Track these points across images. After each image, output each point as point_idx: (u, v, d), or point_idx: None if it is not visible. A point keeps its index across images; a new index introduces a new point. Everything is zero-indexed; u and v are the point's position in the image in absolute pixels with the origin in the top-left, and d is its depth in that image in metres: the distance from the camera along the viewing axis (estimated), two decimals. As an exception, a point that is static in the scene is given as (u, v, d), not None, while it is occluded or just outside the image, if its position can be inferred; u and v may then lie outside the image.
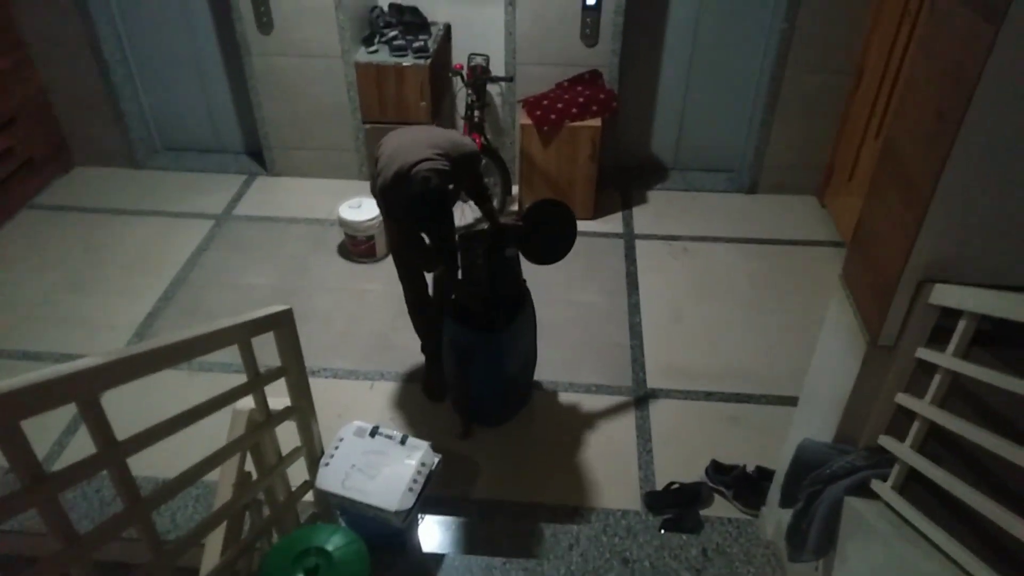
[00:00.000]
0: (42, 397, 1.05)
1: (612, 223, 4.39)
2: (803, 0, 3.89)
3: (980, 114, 1.45)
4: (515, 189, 4.46)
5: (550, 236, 2.91)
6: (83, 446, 2.92)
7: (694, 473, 2.86)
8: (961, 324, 1.58)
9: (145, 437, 1.30)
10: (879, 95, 3.77)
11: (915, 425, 1.73)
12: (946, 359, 1.61)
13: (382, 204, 2.69)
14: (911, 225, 1.65)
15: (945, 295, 1.62)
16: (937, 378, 1.66)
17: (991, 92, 1.42)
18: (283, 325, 1.84)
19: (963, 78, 1.46)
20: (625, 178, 4.76)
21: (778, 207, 4.51)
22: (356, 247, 3.99)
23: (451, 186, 2.54)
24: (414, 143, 2.53)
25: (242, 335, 1.63)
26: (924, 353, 1.71)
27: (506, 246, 2.82)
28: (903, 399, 1.80)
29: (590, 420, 3.12)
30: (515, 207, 4.43)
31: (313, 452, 2.20)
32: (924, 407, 1.68)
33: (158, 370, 1.31)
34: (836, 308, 2.08)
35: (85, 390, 1.13)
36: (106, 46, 4.40)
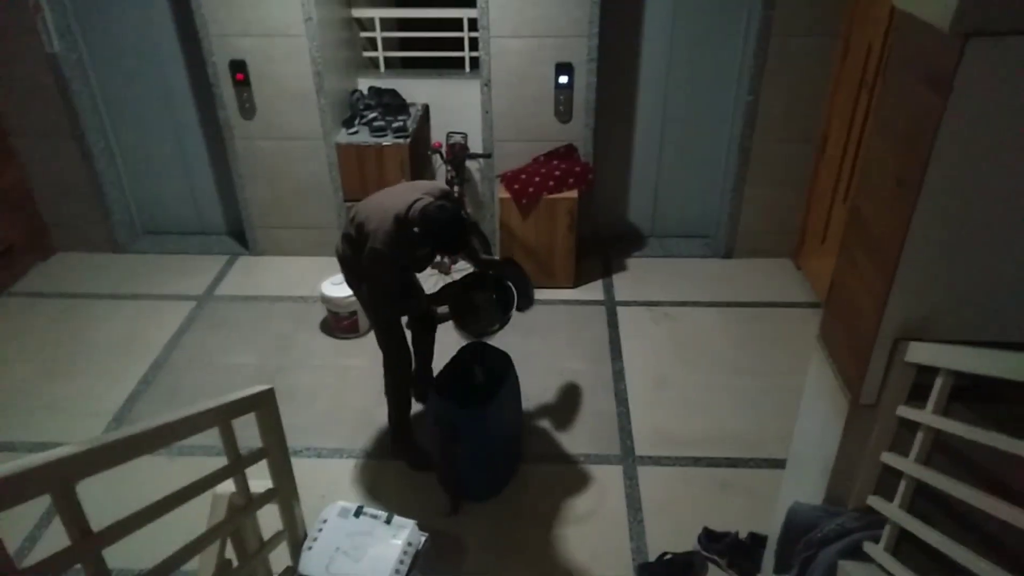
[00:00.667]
0: (15, 490, 1.03)
1: (593, 291, 4.44)
2: (766, 74, 4.08)
3: (937, 180, 1.51)
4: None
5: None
6: (57, 538, 2.82)
7: (686, 542, 2.81)
8: (938, 381, 1.60)
9: (122, 527, 1.27)
10: (844, 160, 3.91)
11: (902, 484, 1.73)
12: (927, 416, 1.63)
13: (377, 261, 2.66)
14: (881, 286, 1.69)
15: (920, 353, 1.65)
16: (920, 436, 1.67)
17: (946, 159, 1.49)
18: (264, 406, 1.83)
19: (918, 147, 1.53)
20: (604, 246, 4.84)
21: (754, 270, 4.59)
22: (339, 323, 3.99)
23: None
24: (395, 194, 2.65)
25: (222, 418, 1.61)
26: (905, 411, 1.73)
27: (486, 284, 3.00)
28: (888, 458, 1.80)
29: (579, 491, 3.08)
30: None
31: (296, 535, 2.15)
32: (909, 465, 1.69)
33: (136, 457, 1.29)
34: (816, 368, 2.10)
35: (60, 480, 1.11)
36: (90, 135, 4.48)
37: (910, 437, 1.72)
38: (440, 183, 2.85)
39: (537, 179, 4.16)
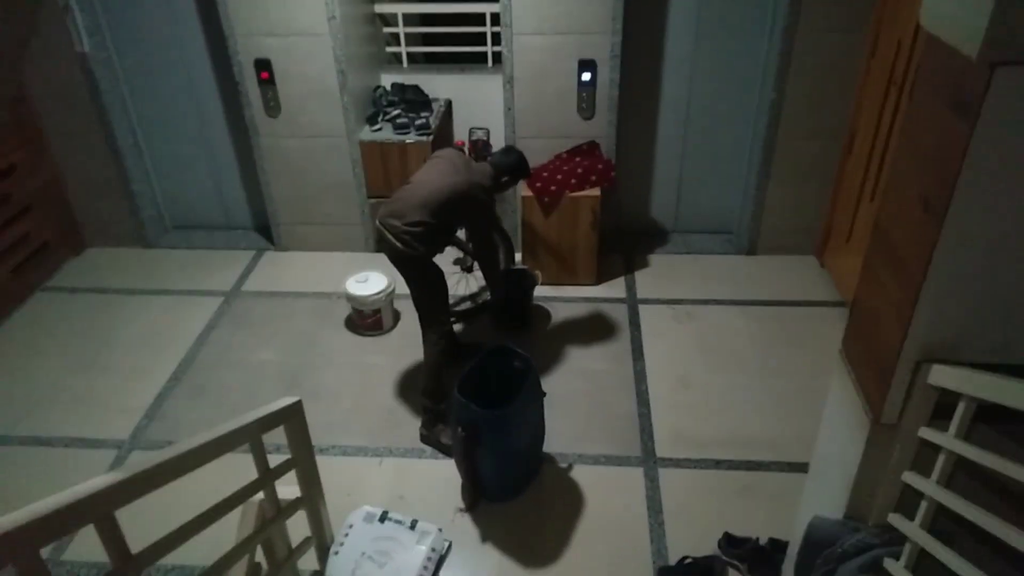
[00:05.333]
0: (61, 523, 1.08)
1: (615, 288, 4.44)
2: (791, 70, 4.02)
3: (964, 205, 1.49)
4: (518, 257, 4.53)
5: None
6: (79, 552, 2.89)
7: (707, 546, 2.83)
8: (960, 406, 1.60)
9: (158, 548, 1.32)
10: (872, 158, 3.85)
11: (923, 504, 1.73)
12: (948, 440, 1.63)
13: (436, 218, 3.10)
14: (906, 306, 1.68)
15: (943, 376, 1.64)
16: (941, 458, 1.67)
17: (972, 185, 1.47)
18: (292, 418, 1.87)
19: (944, 171, 1.51)
20: (627, 243, 4.83)
21: (778, 268, 4.56)
22: (363, 320, 4.04)
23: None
24: (443, 171, 3.16)
25: (253, 434, 1.66)
26: (927, 433, 1.72)
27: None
28: (909, 477, 1.80)
29: (600, 493, 3.11)
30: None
31: (323, 540, 2.20)
32: (930, 487, 1.69)
33: (172, 480, 1.34)
34: (838, 383, 2.10)
35: (102, 510, 1.16)
36: (119, 134, 4.55)
37: (933, 456, 1.72)
38: (449, 149, 3.40)
39: (559, 177, 4.16)
